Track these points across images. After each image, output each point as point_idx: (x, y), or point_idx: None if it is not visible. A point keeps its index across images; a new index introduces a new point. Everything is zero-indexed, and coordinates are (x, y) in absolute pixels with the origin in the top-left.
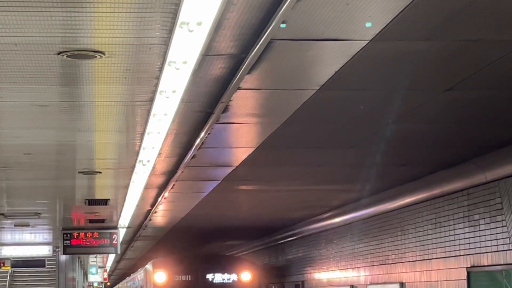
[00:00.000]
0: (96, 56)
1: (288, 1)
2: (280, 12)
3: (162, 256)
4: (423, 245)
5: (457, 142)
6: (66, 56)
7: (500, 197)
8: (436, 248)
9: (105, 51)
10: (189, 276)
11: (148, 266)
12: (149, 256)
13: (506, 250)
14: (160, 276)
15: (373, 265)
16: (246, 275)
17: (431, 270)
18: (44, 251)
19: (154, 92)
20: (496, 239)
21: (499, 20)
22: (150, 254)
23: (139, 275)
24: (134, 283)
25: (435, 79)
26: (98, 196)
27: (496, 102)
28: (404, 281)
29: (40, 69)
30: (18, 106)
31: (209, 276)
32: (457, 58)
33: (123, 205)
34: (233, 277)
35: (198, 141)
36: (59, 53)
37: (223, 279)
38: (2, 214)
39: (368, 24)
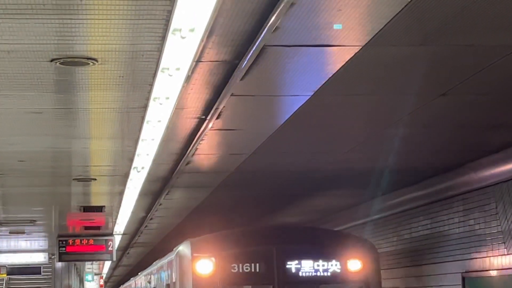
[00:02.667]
0: (90, 63)
1: (280, 8)
2: (273, 18)
3: (199, 234)
4: None
5: (452, 146)
6: (60, 63)
7: (495, 202)
8: None
9: (98, 58)
10: (256, 264)
11: (183, 250)
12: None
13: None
14: (206, 265)
15: None
16: (358, 263)
17: None
18: (39, 258)
19: (147, 99)
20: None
21: (492, 25)
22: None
23: (163, 267)
24: (152, 281)
25: (429, 84)
26: (94, 203)
27: (491, 107)
28: None
29: (34, 76)
30: (13, 113)
31: (293, 265)
32: (451, 63)
33: (118, 212)
34: (336, 266)
35: (192, 147)
36: (52, 60)
37: (319, 270)
38: None
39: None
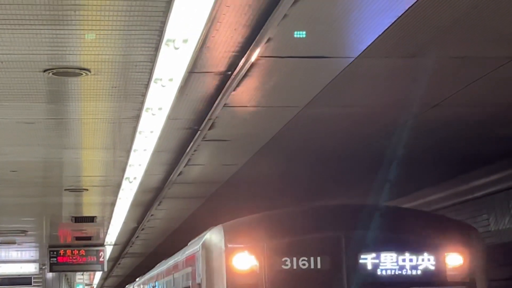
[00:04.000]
0: (82, 74)
1: (273, 19)
2: (266, 29)
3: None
4: None
5: (444, 158)
6: (52, 74)
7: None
8: None
9: (91, 68)
10: (317, 258)
11: (213, 240)
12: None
13: None
14: (246, 260)
15: None
16: (459, 258)
17: None
18: (30, 268)
19: (140, 109)
20: None
21: (484, 38)
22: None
23: (180, 265)
24: (171, 280)
25: (421, 96)
26: (85, 213)
27: (482, 119)
28: None
29: (27, 86)
30: (4, 123)
31: (368, 260)
32: (443, 75)
33: (110, 222)
34: (430, 261)
35: (184, 158)
36: (45, 71)
37: (406, 267)
38: None
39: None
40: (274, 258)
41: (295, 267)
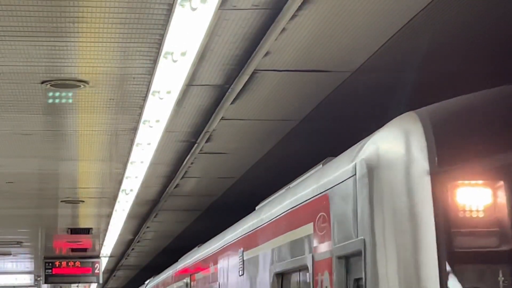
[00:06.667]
0: (80, 86)
1: (272, 33)
2: (264, 43)
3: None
4: None
5: None
6: (50, 85)
7: None
8: None
9: (89, 80)
10: None
11: (404, 151)
12: None
13: None
14: (478, 194)
15: None
16: None
17: None
18: (25, 280)
19: (137, 122)
20: None
21: (480, 53)
22: None
23: (292, 214)
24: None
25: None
26: (81, 225)
27: None
28: None
29: (24, 98)
30: (1, 135)
31: None
32: (439, 89)
33: (105, 234)
34: None
35: (181, 170)
36: (43, 82)
37: None
38: None
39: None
40: None
41: None
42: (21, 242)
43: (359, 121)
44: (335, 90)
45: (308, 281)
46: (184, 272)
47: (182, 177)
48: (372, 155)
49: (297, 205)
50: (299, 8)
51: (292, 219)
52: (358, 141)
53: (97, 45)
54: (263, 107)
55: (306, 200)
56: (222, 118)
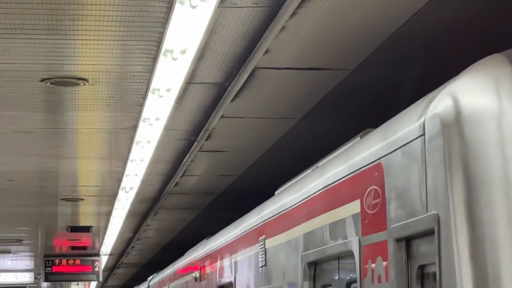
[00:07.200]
0: (80, 83)
1: (271, 31)
2: (264, 41)
3: None
4: None
5: None
6: (50, 83)
7: None
8: None
9: (89, 78)
10: None
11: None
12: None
13: None
14: None
15: None
16: None
17: None
18: (25, 278)
19: (137, 120)
20: None
21: (480, 52)
22: None
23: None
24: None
25: None
26: (81, 223)
27: None
28: None
29: (24, 96)
30: (1, 133)
31: None
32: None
33: (105, 232)
34: None
35: (181, 168)
36: (42, 80)
37: None
38: None
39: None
40: None
41: None
42: (21, 240)
43: (359, 119)
44: (335, 88)
45: (352, 270)
46: (192, 265)
47: (182, 175)
48: (449, 108)
49: (335, 181)
50: (299, 6)
51: (329, 198)
52: None
53: (97, 43)
54: (263, 105)
55: (348, 174)
56: (222, 116)
